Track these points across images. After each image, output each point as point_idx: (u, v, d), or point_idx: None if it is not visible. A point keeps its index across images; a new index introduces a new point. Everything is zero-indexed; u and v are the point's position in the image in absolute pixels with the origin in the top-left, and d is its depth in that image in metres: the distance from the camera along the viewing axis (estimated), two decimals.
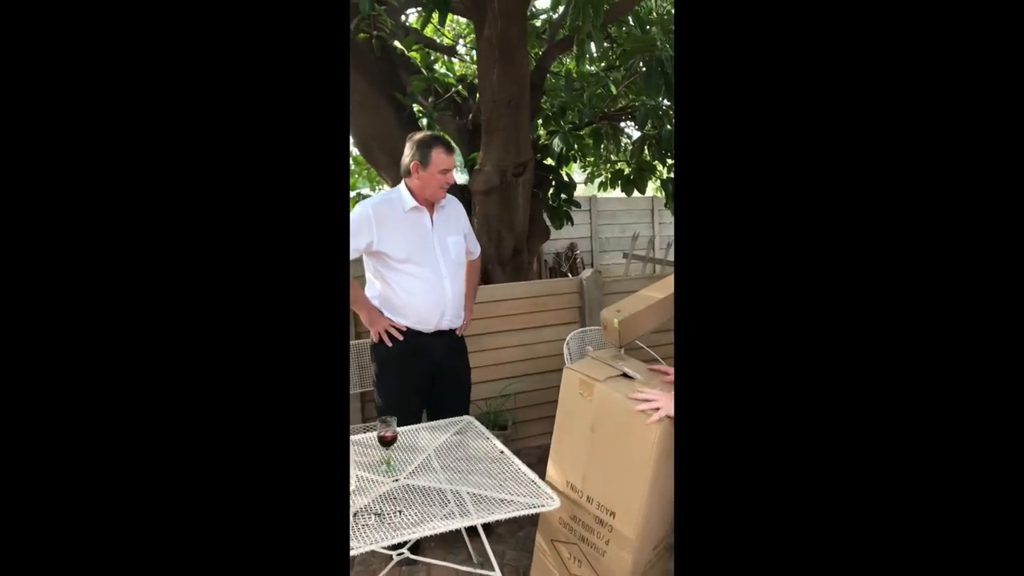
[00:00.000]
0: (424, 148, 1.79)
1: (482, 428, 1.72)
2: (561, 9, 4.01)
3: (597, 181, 5.28)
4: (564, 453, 1.52)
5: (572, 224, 4.30)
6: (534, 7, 3.94)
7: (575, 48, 3.55)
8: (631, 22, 4.07)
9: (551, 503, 1.28)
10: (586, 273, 2.74)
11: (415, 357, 1.87)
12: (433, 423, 1.79)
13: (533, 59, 3.86)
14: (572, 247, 7.02)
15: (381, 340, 1.85)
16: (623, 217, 7.55)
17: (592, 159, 4.96)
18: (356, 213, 1.78)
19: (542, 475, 2.45)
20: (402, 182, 1.88)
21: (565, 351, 2.35)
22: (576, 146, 3.90)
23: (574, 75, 4.10)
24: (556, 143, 3.74)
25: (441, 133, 1.88)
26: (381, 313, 1.86)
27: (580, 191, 5.10)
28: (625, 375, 1.45)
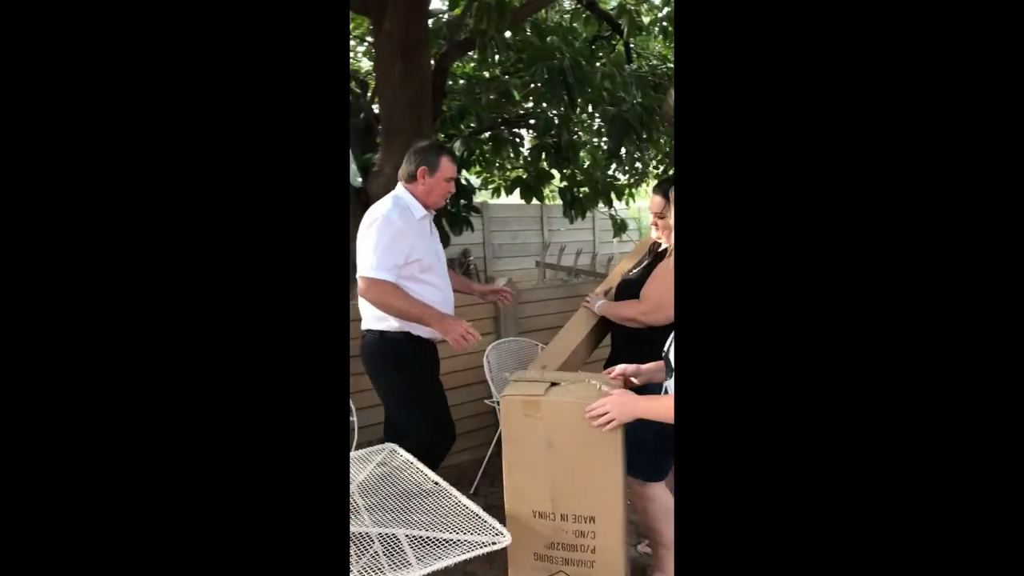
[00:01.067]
0: (434, 154, 1.78)
1: (409, 457, 1.56)
2: (458, 10, 3.92)
3: (491, 187, 5.25)
4: (522, 483, 1.43)
5: (472, 230, 4.22)
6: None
7: (477, 51, 3.48)
8: (528, 31, 4.08)
9: (502, 539, 1.18)
10: (501, 281, 2.66)
11: (437, 367, 1.87)
12: (352, 454, 1.60)
13: (432, 59, 3.72)
14: (466, 253, 6.93)
15: (418, 354, 1.76)
16: (514, 224, 7.61)
17: (488, 164, 4.92)
18: (385, 226, 1.67)
19: (466, 491, 2.34)
20: (399, 189, 1.80)
21: (485, 364, 2.25)
22: (477, 151, 3.82)
23: (473, 78, 4.02)
24: (456, 147, 3.63)
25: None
26: (451, 317, 1.74)
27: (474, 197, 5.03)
28: (553, 384, 1.45)
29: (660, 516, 1.68)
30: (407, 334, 1.76)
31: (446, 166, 1.78)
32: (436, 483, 1.41)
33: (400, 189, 1.81)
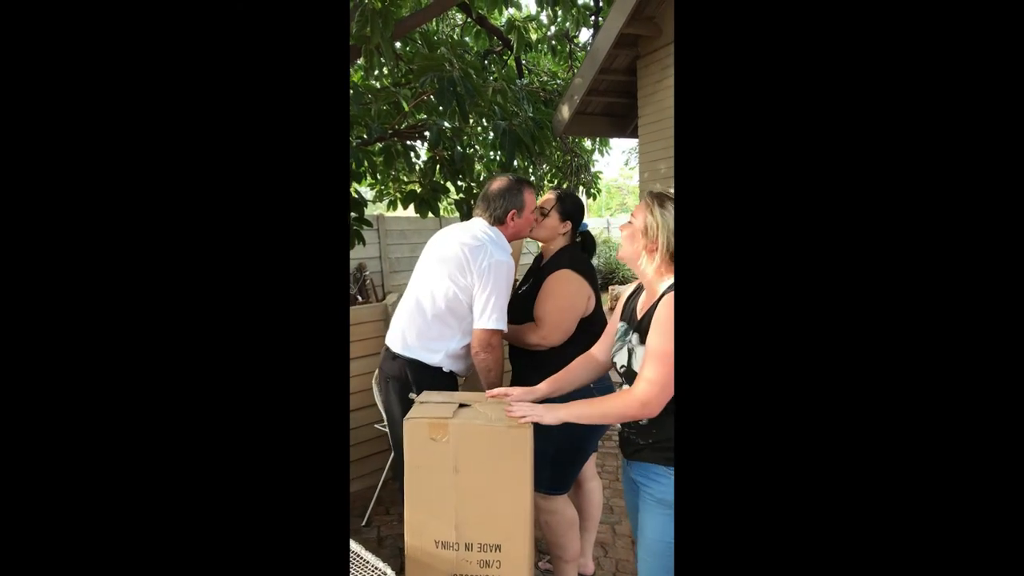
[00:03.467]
0: (517, 194, 1.71)
1: None
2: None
3: (386, 200, 5.10)
4: (423, 512, 1.33)
5: (364, 244, 4.05)
6: None
7: (363, 59, 3.36)
8: (418, 40, 4.02)
9: None
10: (392, 298, 2.54)
11: None
12: None
13: None
14: (361, 268, 6.68)
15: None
16: (413, 236, 7.46)
17: (381, 177, 4.77)
18: (508, 274, 1.61)
19: (357, 524, 2.19)
20: (488, 229, 1.67)
21: (374, 387, 2.13)
22: (366, 163, 3.68)
23: (360, 87, 3.88)
24: None
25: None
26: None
27: (367, 209, 4.86)
28: (462, 405, 1.38)
29: (563, 530, 1.65)
30: (439, 369, 1.66)
31: (530, 199, 1.73)
32: None
33: (486, 225, 1.70)
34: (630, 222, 1.19)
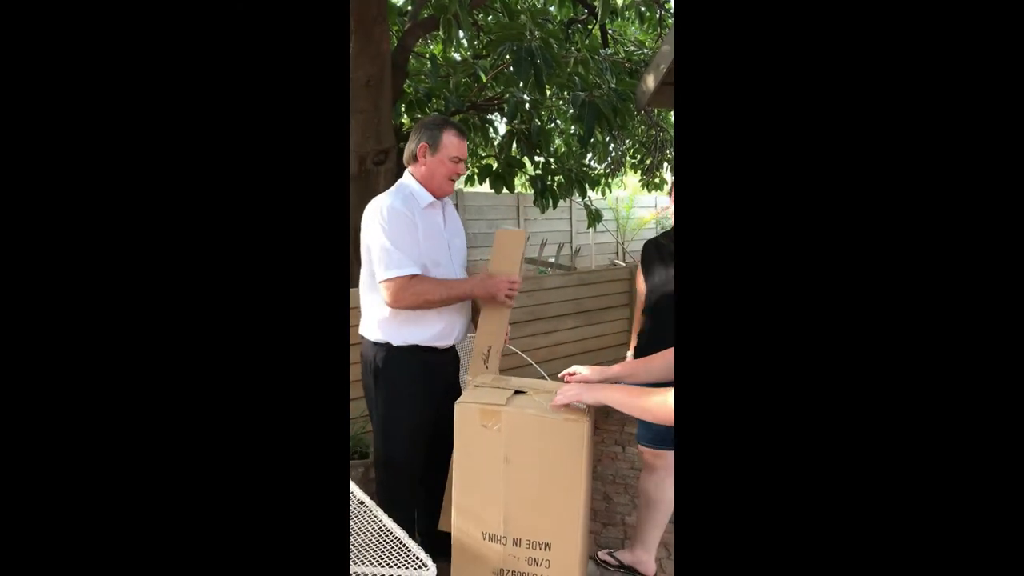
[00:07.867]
0: (433, 130, 1.55)
1: None
2: None
3: (464, 175, 5.09)
4: (471, 499, 1.29)
5: None
6: None
7: (441, 31, 3.30)
8: (499, 10, 3.91)
9: (424, 573, 1.04)
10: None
11: (429, 380, 1.57)
12: None
13: (394, 37, 3.54)
14: None
15: (396, 352, 1.53)
16: (490, 213, 7.46)
17: None
18: (392, 217, 1.45)
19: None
20: (404, 175, 1.58)
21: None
22: None
23: (440, 60, 3.83)
24: None
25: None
26: (489, 276, 1.57)
27: None
28: (518, 392, 1.31)
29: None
30: (404, 346, 1.55)
31: (449, 143, 1.53)
32: (361, 502, 1.26)
33: (406, 175, 1.60)
34: None
